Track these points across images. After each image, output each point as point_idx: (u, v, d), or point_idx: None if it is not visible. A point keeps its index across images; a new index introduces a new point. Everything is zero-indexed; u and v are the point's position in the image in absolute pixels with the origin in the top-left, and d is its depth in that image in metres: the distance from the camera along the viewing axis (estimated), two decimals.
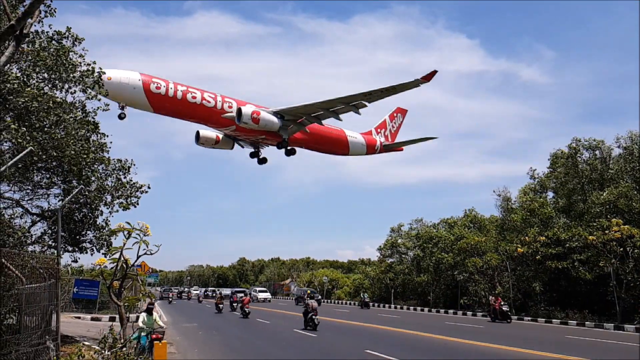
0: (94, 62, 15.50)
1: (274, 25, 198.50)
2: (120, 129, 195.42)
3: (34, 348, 7.81)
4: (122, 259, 9.13)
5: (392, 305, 44.13)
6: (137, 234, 8.87)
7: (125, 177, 16.82)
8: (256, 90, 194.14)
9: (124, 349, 8.26)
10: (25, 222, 16.50)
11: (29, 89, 12.64)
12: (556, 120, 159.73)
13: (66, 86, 14.87)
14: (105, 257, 11.06)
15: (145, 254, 9.22)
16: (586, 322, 24.49)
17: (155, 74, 23.33)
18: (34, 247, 15.81)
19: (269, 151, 29.93)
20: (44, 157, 12.76)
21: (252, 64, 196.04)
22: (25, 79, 13.33)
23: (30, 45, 14.09)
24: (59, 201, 16.21)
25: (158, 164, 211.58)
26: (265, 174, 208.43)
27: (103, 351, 8.20)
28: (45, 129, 12.90)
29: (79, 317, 25.60)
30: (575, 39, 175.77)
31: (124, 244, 8.81)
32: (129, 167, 16.87)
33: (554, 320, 26.33)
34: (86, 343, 13.94)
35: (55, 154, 12.92)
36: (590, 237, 25.15)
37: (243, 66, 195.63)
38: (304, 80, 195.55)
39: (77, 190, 9.86)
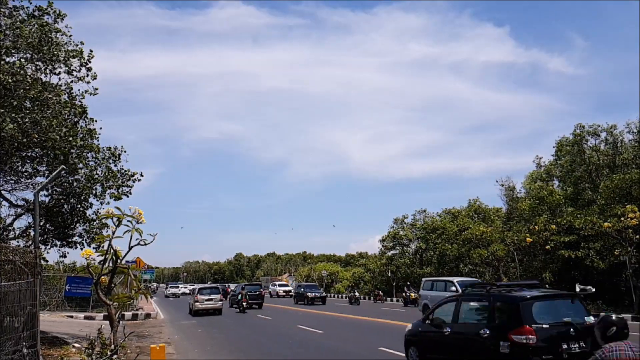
0: (82, 43, 14.34)
1: (299, 17, 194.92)
2: (130, 124, 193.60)
3: (9, 357, 6.69)
4: (112, 250, 7.92)
5: (395, 299, 43.17)
6: (128, 221, 7.68)
7: (116, 166, 15.67)
8: (278, 85, 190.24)
9: (115, 356, 7.11)
10: (9, 215, 15.37)
11: (7, 65, 11.43)
12: (576, 111, 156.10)
13: (50, 67, 13.69)
14: (91, 246, 9.85)
15: (138, 244, 7.99)
16: (601, 313, 23.56)
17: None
18: (18, 242, 14.70)
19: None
20: (24, 140, 11.53)
21: (278, 57, 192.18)
22: (4, 57, 12.12)
23: (10, 21, 12.90)
24: (48, 194, 15.05)
25: (165, 161, 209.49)
26: (271, 170, 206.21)
27: (90, 358, 7.08)
28: (27, 110, 11.70)
29: (71, 316, 24.46)
30: (606, 30, 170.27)
31: (113, 232, 7.62)
32: (120, 155, 15.70)
33: None
34: (76, 345, 12.80)
35: (37, 137, 11.72)
36: (605, 224, 24.18)
37: (269, 60, 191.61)
38: (333, 73, 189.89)
39: (57, 171, 8.66)
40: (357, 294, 41.05)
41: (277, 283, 61.26)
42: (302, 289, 40.64)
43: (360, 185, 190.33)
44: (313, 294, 38.54)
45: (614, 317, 4.91)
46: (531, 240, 28.77)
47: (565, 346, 7.34)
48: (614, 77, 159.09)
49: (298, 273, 78.78)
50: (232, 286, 57.24)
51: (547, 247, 27.75)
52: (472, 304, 8.90)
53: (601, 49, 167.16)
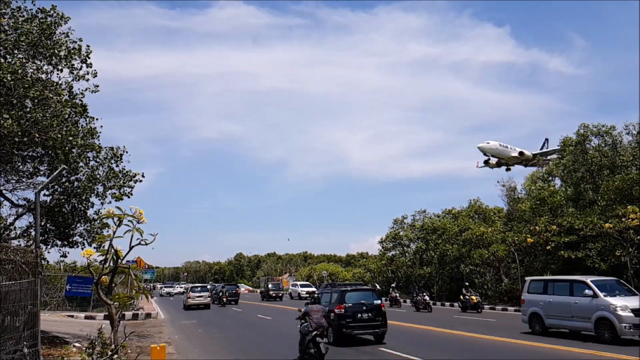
0: (81, 40, 14.34)
1: (299, 17, 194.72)
2: (130, 124, 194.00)
3: (10, 357, 6.68)
4: (112, 249, 7.90)
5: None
6: (129, 220, 7.66)
7: (117, 166, 15.65)
8: (278, 85, 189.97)
9: (115, 356, 7.09)
10: (10, 214, 15.37)
11: (7, 64, 11.41)
12: (576, 111, 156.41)
13: (52, 64, 13.68)
14: (92, 246, 9.81)
15: (139, 244, 7.99)
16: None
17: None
18: (19, 241, 14.68)
19: None
20: (25, 140, 11.52)
21: (278, 57, 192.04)
22: (5, 55, 12.12)
23: (12, 21, 12.92)
24: (49, 194, 15.02)
25: (165, 161, 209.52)
26: (271, 170, 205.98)
27: (91, 358, 7.06)
28: (27, 109, 11.68)
29: (72, 316, 24.45)
30: (606, 30, 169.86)
31: (114, 232, 7.60)
32: (121, 155, 15.67)
33: None
34: (77, 345, 12.79)
35: (38, 137, 11.69)
36: (606, 225, 24.14)
37: (269, 60, 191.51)
38: (333, 73, 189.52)
39: (58, 171, 8.66)
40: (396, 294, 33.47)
41: (298, 284, 55.16)
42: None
43: (360, 185, 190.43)
44: None
45: (316, 294, 16.07)
46: (532, 240, 28.74)
47: (359, 315, 14.63)
48: (614, 77, 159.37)
49: (298, 273, 78.72)
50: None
51: (548, 247, 27.72)
52: (328, 294, 16.15)
53: (601, 49, 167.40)
